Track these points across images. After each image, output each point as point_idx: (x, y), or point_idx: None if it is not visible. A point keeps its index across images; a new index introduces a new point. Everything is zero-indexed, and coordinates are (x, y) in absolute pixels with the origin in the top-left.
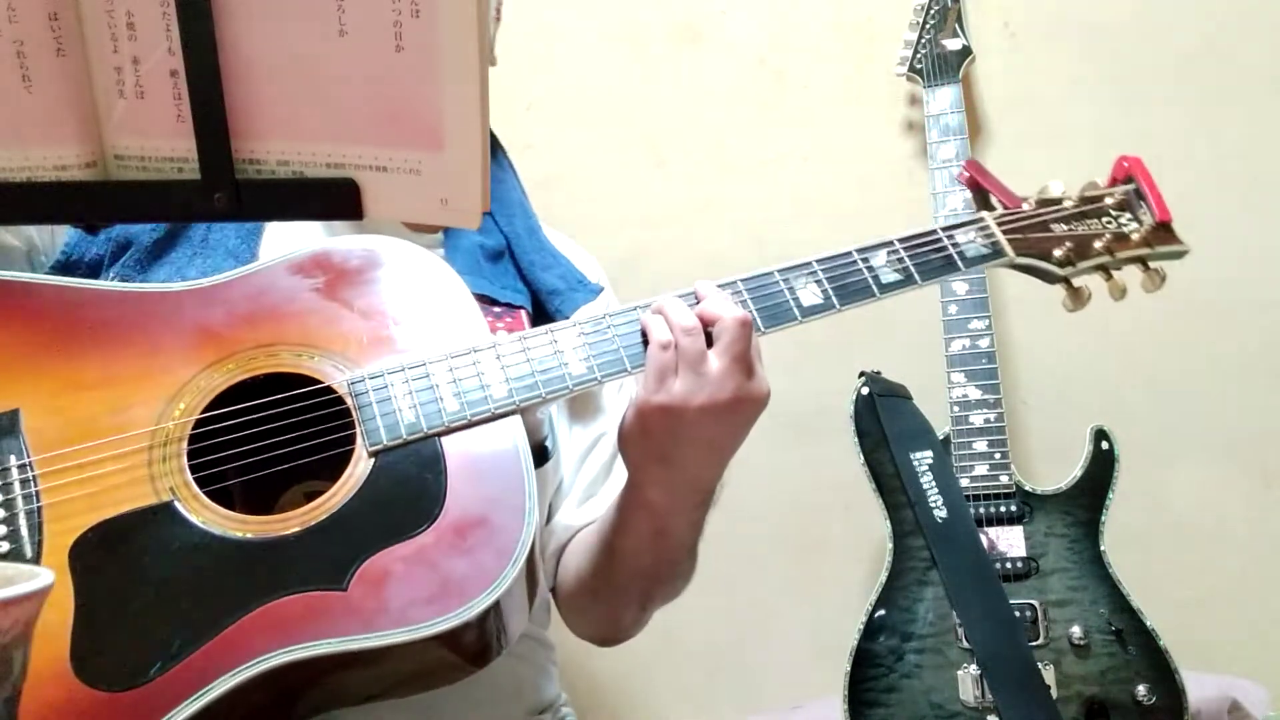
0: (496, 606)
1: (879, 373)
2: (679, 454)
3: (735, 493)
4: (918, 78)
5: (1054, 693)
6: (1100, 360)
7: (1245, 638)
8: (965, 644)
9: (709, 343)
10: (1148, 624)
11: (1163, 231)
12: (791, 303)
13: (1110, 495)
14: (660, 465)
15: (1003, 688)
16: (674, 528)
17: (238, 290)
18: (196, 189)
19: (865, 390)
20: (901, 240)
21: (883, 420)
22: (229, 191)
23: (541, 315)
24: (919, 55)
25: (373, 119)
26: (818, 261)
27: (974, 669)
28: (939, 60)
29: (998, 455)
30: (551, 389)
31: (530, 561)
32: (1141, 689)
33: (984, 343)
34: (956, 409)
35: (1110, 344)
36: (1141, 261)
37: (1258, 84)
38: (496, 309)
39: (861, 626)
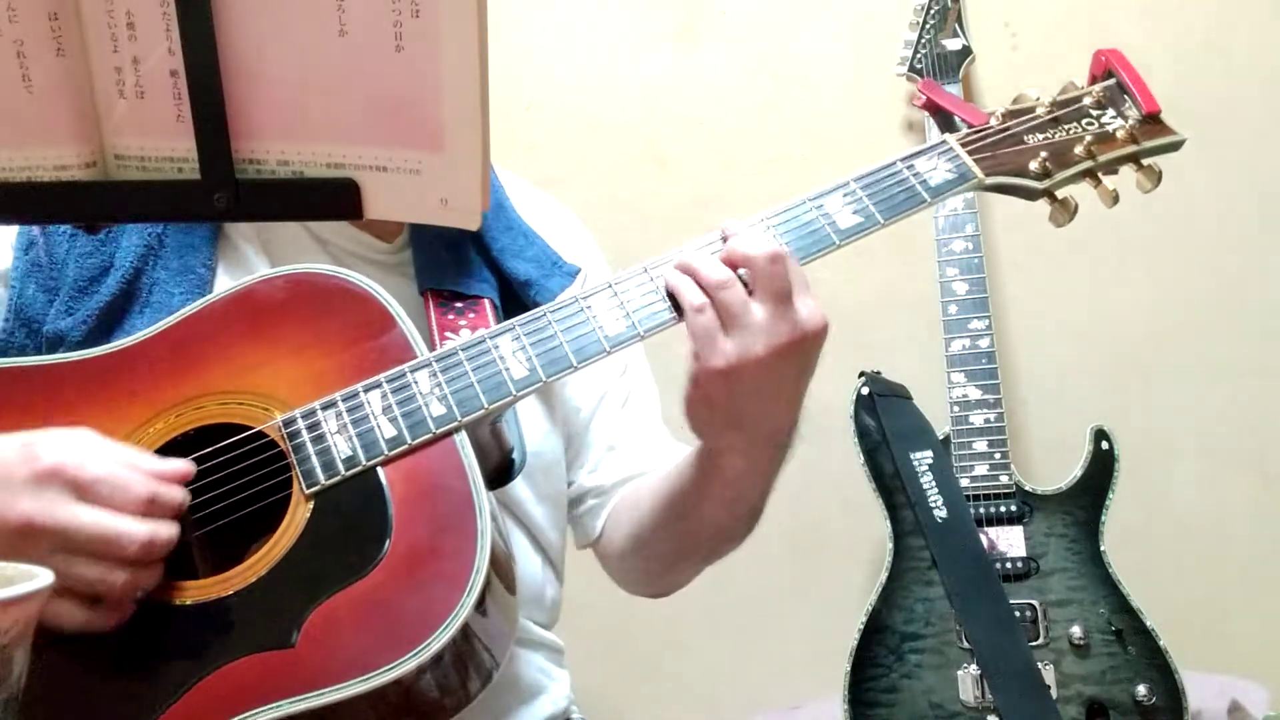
0: (463, 635)
1: (879, 373)
2: (750, 413)
3: None
4: (917, 78)
5: (1054, 693)
6: (1100, 360)
7: (1245, 638)
8: (965, 644)
9: (747, 288)
10: (1148, 624)
11: (1151, 124)
12: None
13: (1110, 495)
14: (733, 430)
15: (1003, 688)
16: (754, 486)
17: (160, 345)
18: (196, 189)
19: (865, 390)
20: (858, 179)
21: (883, 420)
22: (229, 191)
23: (516, 307)
24: (919, 55)
25: (373, 119)
26: (769, 216)
27: (974, 669)
28: (939, 60)
29: (998, 455)
30: (494, 398)
31: (499, 574)
32: (1141, 689)
33: (984, 343)
34: (956, 409)
35: (1110, 344)
36: (1133, 160)
37: (1258, 84)
38: (459, 304)
39: (861, 626)
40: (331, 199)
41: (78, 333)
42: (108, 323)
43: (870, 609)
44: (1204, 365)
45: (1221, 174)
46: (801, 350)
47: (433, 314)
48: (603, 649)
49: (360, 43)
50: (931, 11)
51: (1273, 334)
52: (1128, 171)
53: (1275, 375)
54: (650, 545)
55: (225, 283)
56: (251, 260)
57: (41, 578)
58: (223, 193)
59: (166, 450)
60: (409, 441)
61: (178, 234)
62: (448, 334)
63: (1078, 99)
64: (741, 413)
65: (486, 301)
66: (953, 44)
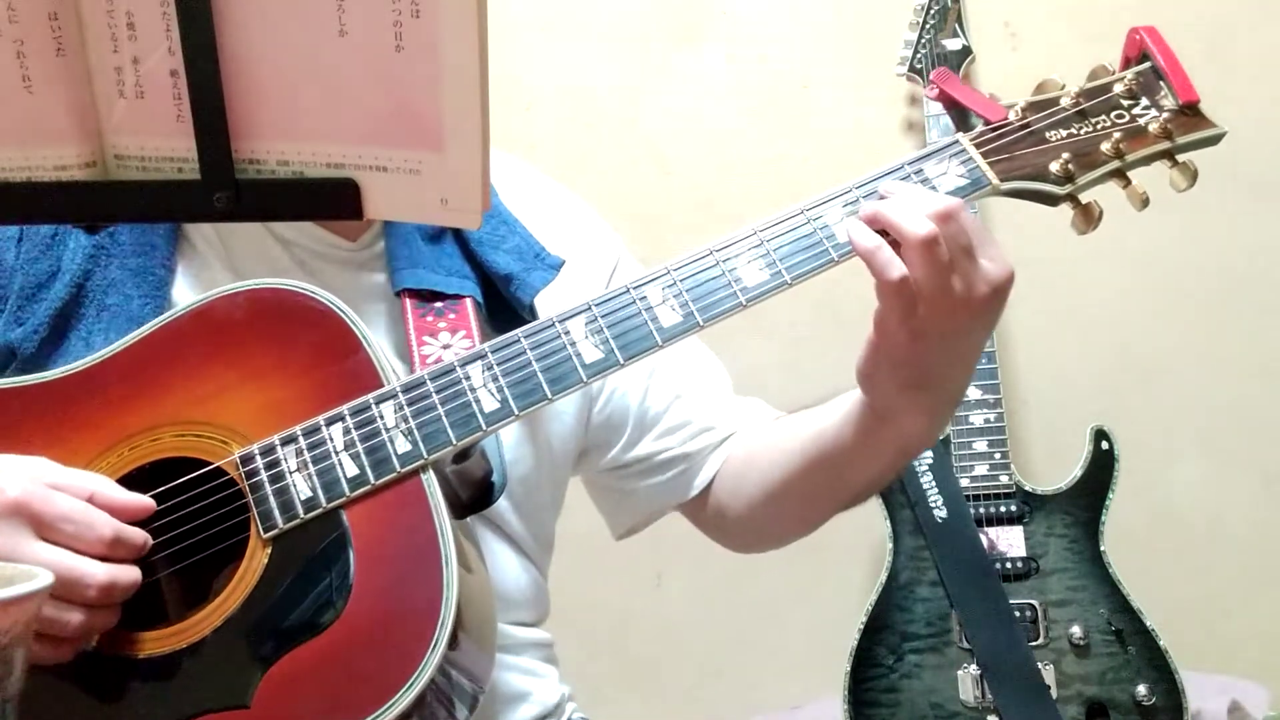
0: (443, 676)
1: None
2: (938, 374)
3: None
4: (918, 78)
5: (1054, 693)
6: (1100, 360)
7: (1245, 638)
8: (965, 644)
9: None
10: (1148, 624)
11: (1189, 115)
12: (731, 283)
13: (1110, 495)
14: (917, 391)
15: (1003, 688)
16: (926, 441)
17: (114, 369)
18: (196, 189)
19: None
20: (861, 185)
21: None
22: (229, 191)
23: (499, 303)
24: (919, 55)
25: (373, 119)
26: (762, 230)
27: (974, 669)
28: (939, 60)
29: (998, 455)
30: (463, 433)
31: (471, 614)
32: (1141, 689)
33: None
34: (956, 409)
35: (1110, 343)
36: (1167, 156)
37: (1258, 83)
38: (439, 304)
39: (861, 626)
40: (331, 199)
41: (30, 343)
42: (60, 330)
43: (870, 609)
44: (1204, 365)
45: (1222, 173)
46: (990, 306)
47: (410, 316)
48: (602, 650)
49: (360, 43)
50: (931, 11)
51: (1273, 334)
52: (1161, 167)
53: (1275, 375)
54: (786, 501)
55: (184, 283)
56: (210, 260)
57: (41, 578)
58: (223, 193)
59: (123, 484)
60: (372, 481)
61: (133, 234)
62: (426, 338)
63: (1108, 87)
64: (929, 375)
65: (468, 300)
66: (953, 44)
